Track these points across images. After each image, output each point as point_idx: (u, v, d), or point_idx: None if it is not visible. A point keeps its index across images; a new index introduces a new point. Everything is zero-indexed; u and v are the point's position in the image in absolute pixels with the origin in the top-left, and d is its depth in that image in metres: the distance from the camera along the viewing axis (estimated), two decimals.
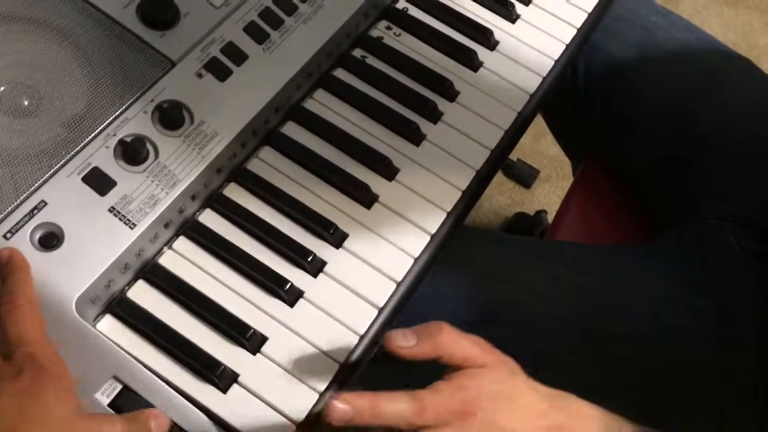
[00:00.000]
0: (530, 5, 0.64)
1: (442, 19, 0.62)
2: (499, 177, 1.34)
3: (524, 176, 1.33)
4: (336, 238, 0.51)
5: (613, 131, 0.80)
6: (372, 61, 0.59)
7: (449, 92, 0.58)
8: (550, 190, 1.35)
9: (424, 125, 0.56)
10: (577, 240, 0.81)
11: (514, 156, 1.35)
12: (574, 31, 0.65)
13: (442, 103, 0.58)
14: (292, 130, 0.54)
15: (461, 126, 0.57)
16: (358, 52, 0.59)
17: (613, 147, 0.81)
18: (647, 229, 0.80)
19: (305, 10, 0.56)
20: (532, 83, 0.61)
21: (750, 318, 0.61)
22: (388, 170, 0.54)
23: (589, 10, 0.66)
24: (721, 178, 0.71)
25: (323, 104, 0.56)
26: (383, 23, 0.61)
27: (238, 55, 0.53)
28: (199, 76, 0.51)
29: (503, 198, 1.34)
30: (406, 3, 0.62)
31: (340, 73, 0.58)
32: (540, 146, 1.36)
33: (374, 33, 0.60)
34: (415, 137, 0.56)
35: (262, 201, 0.51)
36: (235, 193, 0.52)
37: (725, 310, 0.61)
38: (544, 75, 0.62)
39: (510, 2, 0.63)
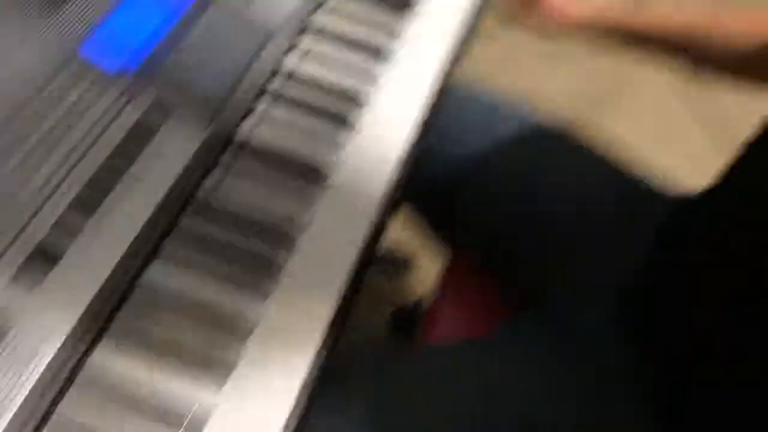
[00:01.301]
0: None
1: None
2: (374, 271, 1.35)
3: (397, 265, 1.35)
4: None
5: (466, 215, 0.83)
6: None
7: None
8: (426, 275, 1.38)
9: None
10: (452, 334, 0.82)
11: (384, 247, 1.37)
12: (415, 122, 0.67)
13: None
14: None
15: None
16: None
17: (467, 237, 0.84)
18: (517, 310, 0.82)
19: (122, 187, 0.54)
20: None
21: (614, 394, 0.63)
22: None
23: (426, 96, 0.69)
24: (570, 252, 0.75)
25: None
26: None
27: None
28: (15, 279, 0.48)
29: (381, 292, 1.35)
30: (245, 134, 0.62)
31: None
32: (408, 232, 1.40)
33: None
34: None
35: None
36: None
37: (590, 388, 0.63)
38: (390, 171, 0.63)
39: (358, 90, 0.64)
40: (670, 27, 0.74)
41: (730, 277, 0.56)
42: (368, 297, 1.32)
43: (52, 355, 0.46)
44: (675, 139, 1.67)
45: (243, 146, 0.62)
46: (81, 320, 0.48)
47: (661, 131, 1.68)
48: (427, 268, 1.37)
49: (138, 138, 0.55)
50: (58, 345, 0.47)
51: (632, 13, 0.76)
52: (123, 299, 0.52)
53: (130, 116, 0.55)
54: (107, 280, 0.50)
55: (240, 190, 0.60)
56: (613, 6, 0.78)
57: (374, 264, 1.34)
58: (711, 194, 0.67)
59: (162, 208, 0.55)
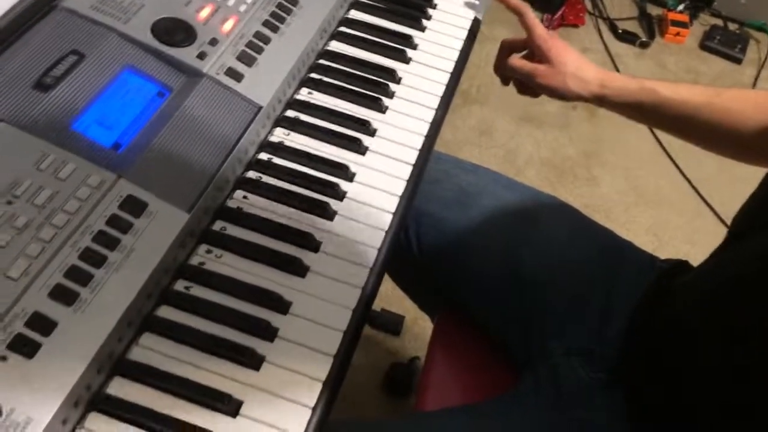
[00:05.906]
0: (345, 199, 0.67)
1: (263, 232, 0.62)
2: (368, 330, 1.34)
3: (391, 324, 1.34)
4: None
5: (452, 286, 0.83)
6: (197, 290, 0.57)
7: (281, 305, 0.58)
8: (420, 332, 1.37)
9: (262, 346, 0.55)
10: (447, 397, 0.81)
11: (377, 306, 1.36)
12: (397, 200, 0.68)
13: (276, 319, 0.57)
14: (119, 388, 0.51)
15: (300, 339, 0.56)
16: (180, 284, 0.57)
17: (457, 301, 0.84)
18: (510, 374, 0.81)
19: (115, 258, 0.54)
20: (369, 257, 0.62)
21: None
22: (228, 407, 0.52)
23: (407, 178, 0.70)
24: (555, 314, 0.75)
25: (151, 349, 0.54)
26: (203, 248, 0.60)
27: (45, 325, 0.49)
28: (3, 359, 0.47)
29: (377, 350, 1.33)
30: (224, 222, 0.62)
31: (165, 312, 0.56)
32: (400, 291, 1.39)
33: (194, 260, 0.59)
34: (253, 362, 0.54)
35: None
36: None
37: None
38: (378, 246, 0.64)
39: (326, 203, 0.65)
40: (665, 103, 0.74)
41: (727, 350, 0.56)
42: (369, 354, 1.30)
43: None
44: (656, 203, 1.66)
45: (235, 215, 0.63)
46: (66, 400, 0.47)
47: (642, 194, 1.67)
48: (422, 325, 1.36)
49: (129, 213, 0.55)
50: (46, 423, 0.46)
51: (634, 90, 0.76)
52: (112, 374, 0.52)
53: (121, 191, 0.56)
54: (90, 363, 0.49)
55: (236, 258, 0.60)
56: (614, 84, 0.77)
57: (369, 323, 1.33)
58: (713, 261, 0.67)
59: (152, 278, 0.55)
